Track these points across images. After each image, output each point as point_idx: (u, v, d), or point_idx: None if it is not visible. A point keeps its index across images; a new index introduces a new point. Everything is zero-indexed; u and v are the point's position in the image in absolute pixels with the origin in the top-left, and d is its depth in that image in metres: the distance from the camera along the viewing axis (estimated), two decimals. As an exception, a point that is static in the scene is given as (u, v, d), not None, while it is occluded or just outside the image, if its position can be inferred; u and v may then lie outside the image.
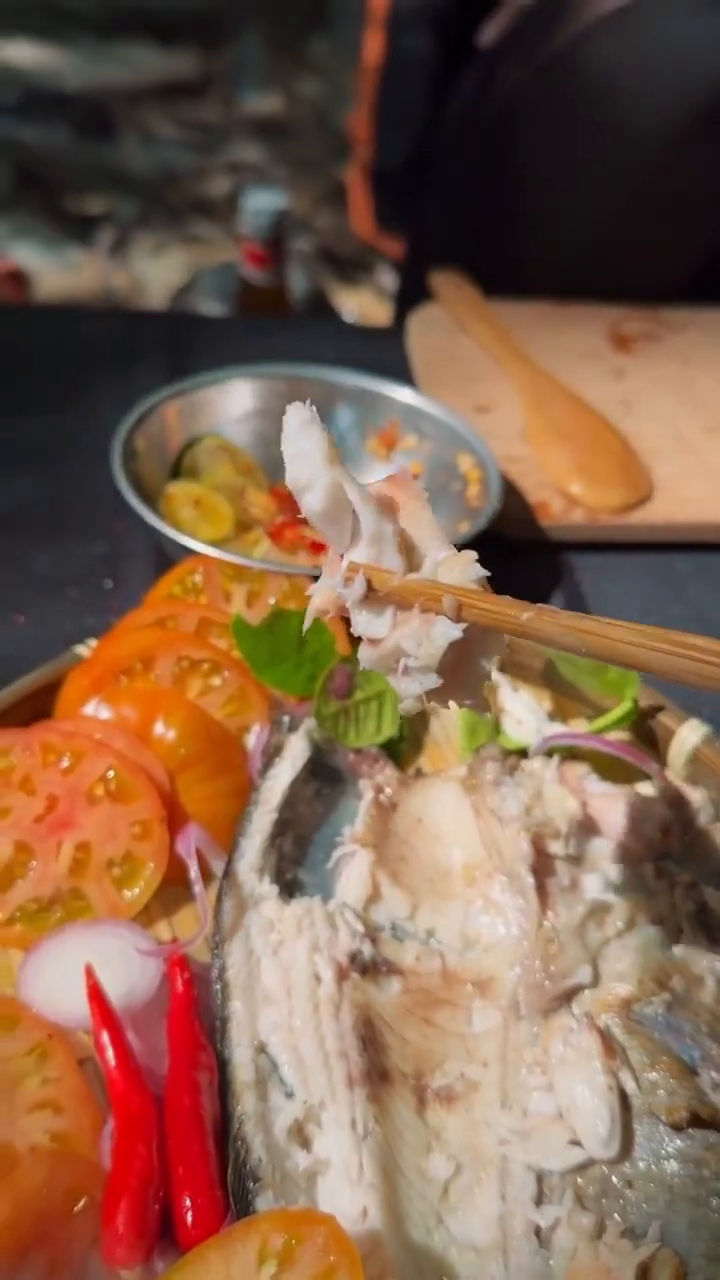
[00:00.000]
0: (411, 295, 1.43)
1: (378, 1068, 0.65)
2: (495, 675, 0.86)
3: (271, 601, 0.85)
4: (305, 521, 0.92)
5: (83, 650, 0.81)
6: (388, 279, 3.45)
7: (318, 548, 0.99)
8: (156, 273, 3.57)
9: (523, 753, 0.82)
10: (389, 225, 1.87)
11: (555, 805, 0.76)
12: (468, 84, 1.71)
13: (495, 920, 0.73)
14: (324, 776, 0.79)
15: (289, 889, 0.74)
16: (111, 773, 0.73)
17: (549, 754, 0.80)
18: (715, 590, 1.05)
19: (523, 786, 0.76)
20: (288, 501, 1.02)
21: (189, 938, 0.69)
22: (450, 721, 0.85)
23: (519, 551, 1.04)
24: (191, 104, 4.42)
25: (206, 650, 0.79)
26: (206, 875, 0.74)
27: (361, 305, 3.46)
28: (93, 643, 0.81)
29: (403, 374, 1.28)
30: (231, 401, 1.08)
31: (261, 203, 1.84)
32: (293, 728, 0.78)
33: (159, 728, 0.76)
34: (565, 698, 0.86)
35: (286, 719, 0.78)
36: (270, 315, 2.03)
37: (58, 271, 3.59)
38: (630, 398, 1.20)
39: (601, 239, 1.35)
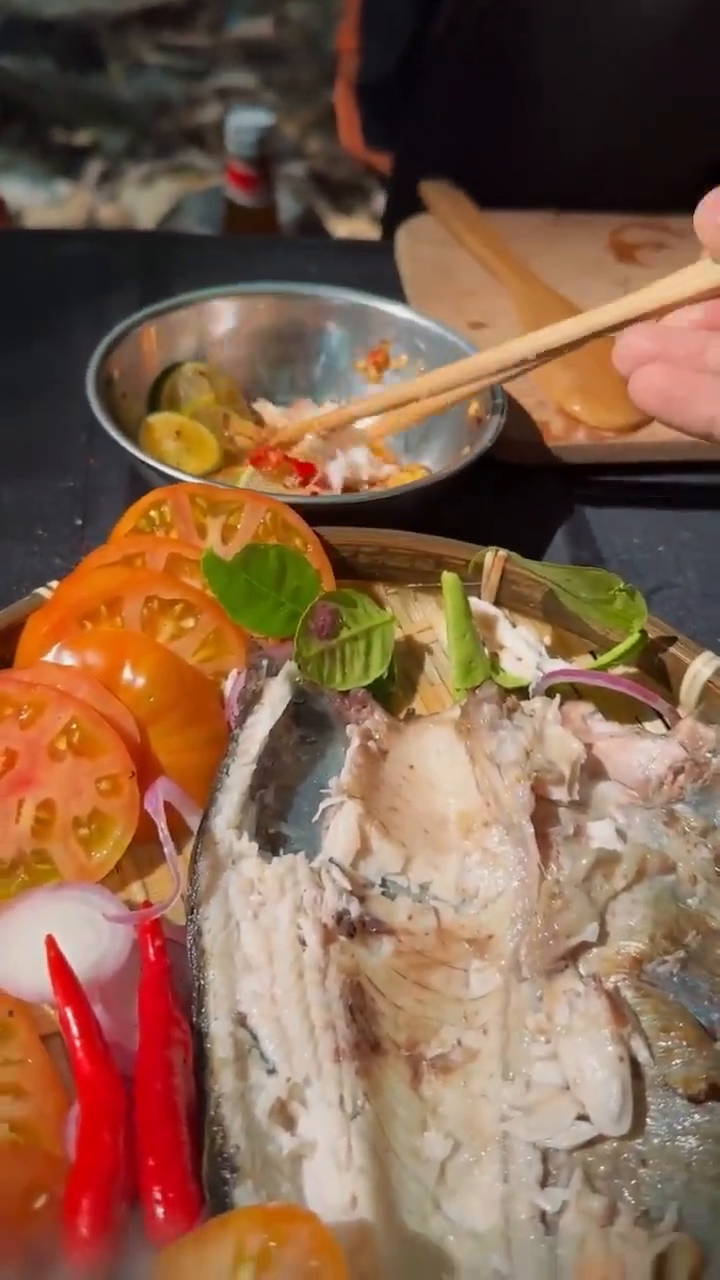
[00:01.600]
0: (402, 210, 1.34)
1: (368, 1038, 0.60)
2: (491, 609, 0.80)
3: (249, 533, 0.77)
4: (288, 445, 0.85)
5: (44, 593, 0.74)
6: (382, 203, 3.33)
7: (304, 469, 0.92)
8: (145, 204, 3.45)
9: (522, 692, 0.75)
10: (378, 141, 1.76)
11: (557, 748, 0.70)
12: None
13: (494, 873, 0.67)
14: (308, 723, 0.73)
15: (271, 844, 0.68)
16: (75, 725, 0.67)
17: (550, 693, 0.73)
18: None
19: (522, 729, 0.70)
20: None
21: (162, 902, 0.63)
22: (444, 660, 0.78)
23: (520, 475, 0.96)
24: (179, 30, 4.26)
25: (178, 590, 0.72)
26: (181, 833, 0.68)
27: (355, 230, 3.34)
28: (56, 585, 0.74)
29: (394, 292, 1.19)
30: (211, 323, 1.01)
31: (246, 121, 1.74)
32: (272, 671, 0.72)
33: (127, 674, 0.70)
34: (567, 631, 0.79)
35: (265, 662, 0.72)
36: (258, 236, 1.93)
37: (44, 206, 3.47)
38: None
39: (603, 142, 1.26)
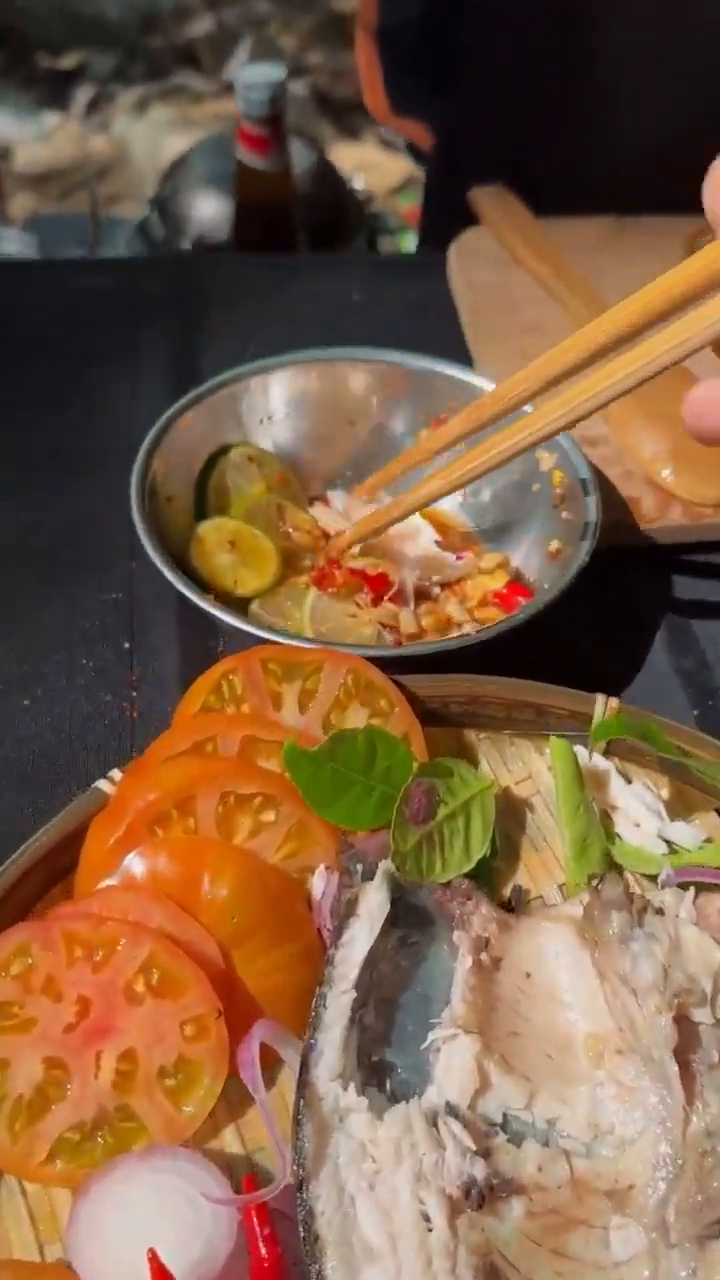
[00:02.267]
0: (444, 209, 1.20)
1: (506, 1333, 0.53)
2: (602, 762, 0.71)
3: (330, 698, 0.68)
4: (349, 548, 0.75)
5: (105, 786, 0.65)
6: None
7: (376, 584, 0.82)
8: (140, 134, 3.25)
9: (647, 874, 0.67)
10: (408, 105, 1.60)
11: (697, 958, 0.62)
12: None
13: (631, 1111, 0.60)
14: (408, 921, 0.65)
15: (376, 1076, 0.61)
16: (153, 963, 0.59)
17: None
18: None
19: (656, 939, 0.62)
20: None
21: (268, 1188, 0.55)
22: (548, 818, 0.70)
23: (608, 556, 0.86)
24: None
25: (255, 781, 0.64)
26: (271, 1069, 0.60)
27: (366, 161, 3.14)
28: (117, 774, 0.65)
29: (448, 317, 1.08)
30: (258, 400, 0.91)
31: (255, 76, 1.58)
32: (367, 875, 0.64)
33: (206, 889, 0.63)
34: (687, 785, 0.70)
35: (359, 866, 0.63)
36: (273, 203, 1.78)
37: (33, 141, 3.27)
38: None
39: (673, 131, 1.12)
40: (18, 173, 3.17)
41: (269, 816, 0.65)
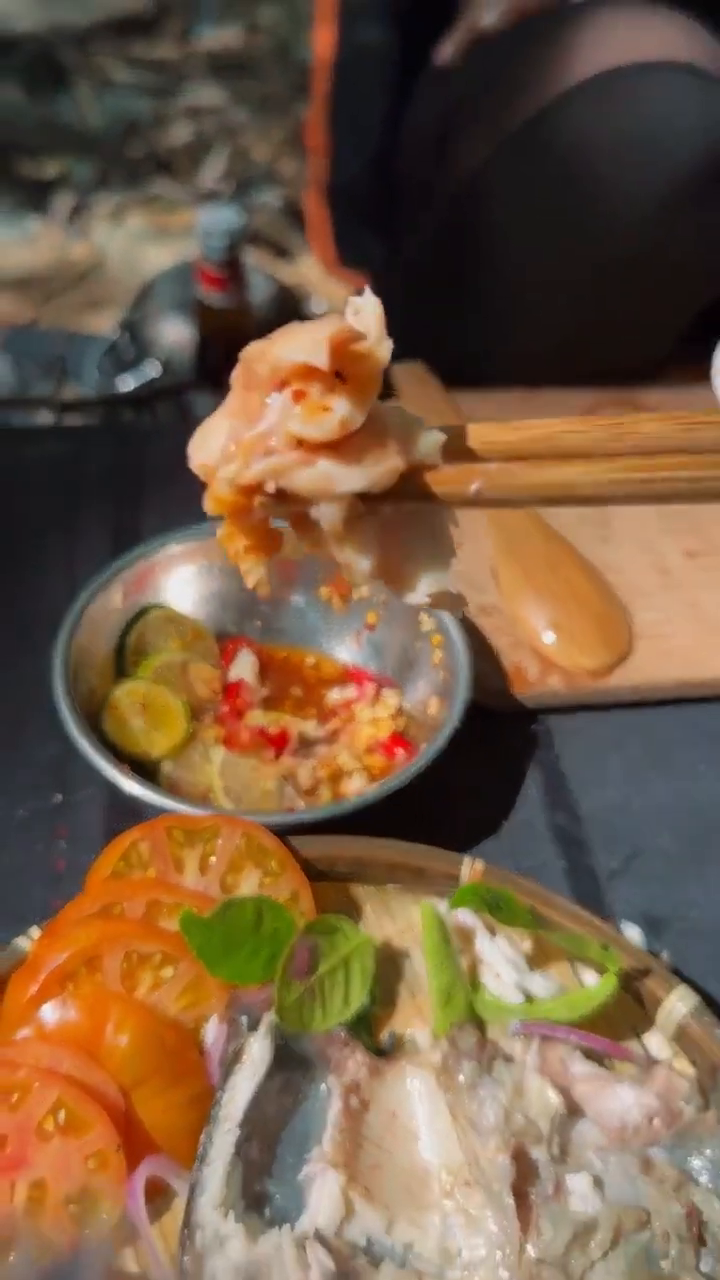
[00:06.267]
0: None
1: None
2: (469, 919, 0.81)
3: (225, 860, 0.79)
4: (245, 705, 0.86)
5: (24, 943, 0.75)
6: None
7: (277, 743, 0.93)
8: (117, 242, 3.40)
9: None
10: (354, 257, 1.74)
11: (538, 1103, 0.73)
12: (420, 105, 1.59)
13: (475, 1238, 0.70)
14: (290, 1065, 0.75)
15: (257, 1203, 0.70)
16: (61, 1105, 0.69)
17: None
18: (701, 747, 0.99)
19: (501, 1085, 0.72)
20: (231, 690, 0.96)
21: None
22: (425, 975, 0.80)
23: (491, 719, 0.97)
24: (146, 42, 4.18)
25: (156, 941, 0.75)
26: (166, 1195, 0.70)
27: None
28: (35, 932, 0.76)
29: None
30: (176, 565, 1.01)
31: (214, 223, 1.72)
32: (252, 1026, 0.74)
33: (109, 1037, 0.72)
34: (547, 939, 0.81)
35: (244, 1019, 0.73)
36: (232, 338, 1.92)
37: (17, 244, 3.43)
38: (608, 514, 1.12)
39: (575, 319, 1.26)
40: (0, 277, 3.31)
41: (168, 972, 0.75)
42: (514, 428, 0.59)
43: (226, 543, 0.73)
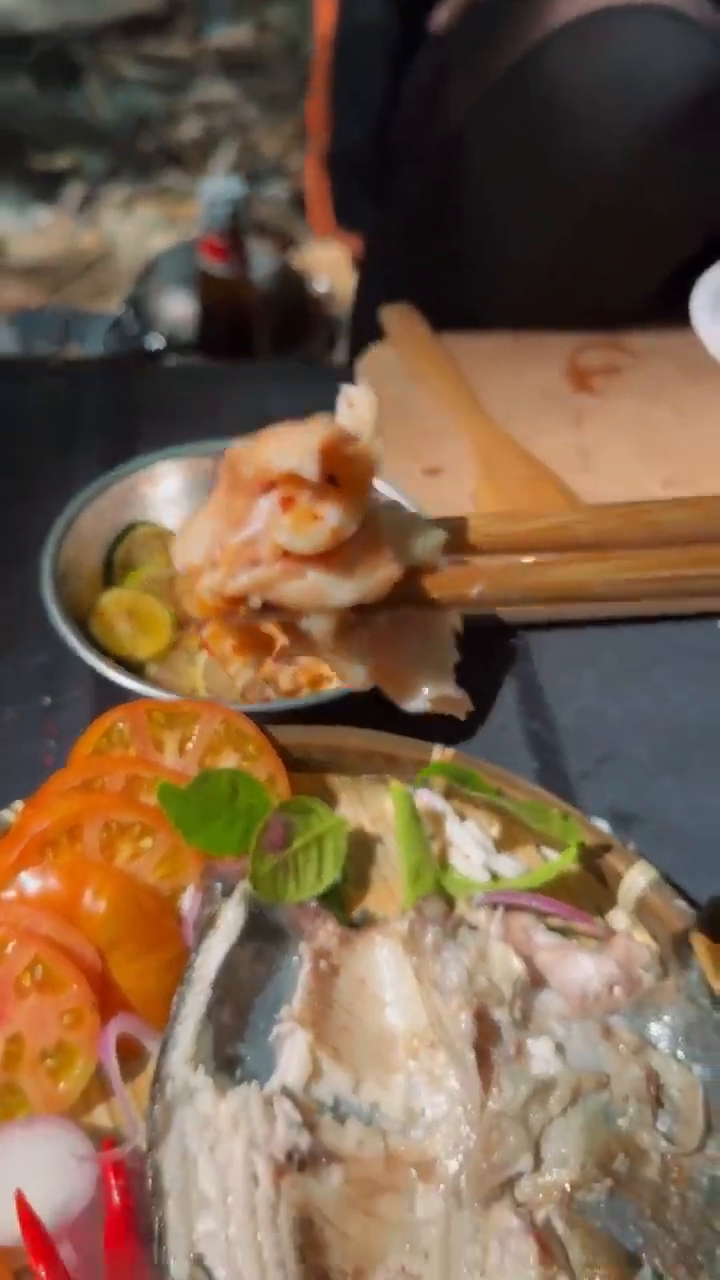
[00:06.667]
0: (365, 321, 1.36)
1: (317, 1273, 0.64)
2: (439, 804, 0.84)
3: (204, 744, 0.81)
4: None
5: (8, 814, 0.78)
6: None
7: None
8: (126, 232, 3.46)
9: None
10: (349, 218, 1.78)
11: (500, 968, 0.75)
12: (419, 71, 1.62)
13: (438, 1096, 0.72)
14: (263, 936, 0.78)
15: (228, 1065, 0.72)
16: (38, 962, 0.71)
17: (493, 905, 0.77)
18: (676, 663, 1.01)
19: (465, 949, 0.75)
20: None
21: (121, 1146, 0.67)
22: (395, 859, 0.82)
23: (470, 632, 0.99)
24: (158, 40, 4.24)
25: (134, 812, 0.77)
26: (141, 1058, 0.72)
27: (335, 263, 3.34)
28: (19, 805, 0.78)
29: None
30: (163, 484, 1.04)
31: (217, 194, 1.76)
32: (226, 893, 0.76)
33: (87, 903, 0.75)
34: (514, 823, 0.83)
35: (219, 885, 0.76)
36: (233, 308, 1.97)
37: (27, 235, 3.48)
38: (589, 446, 1.15)
39: (560, 264, 1.29)
40: (10, 266, 3.37)
41: (146, 843, 0.78)
42: (519, 518, 0.56)
43: (214, 642, 0.73)
